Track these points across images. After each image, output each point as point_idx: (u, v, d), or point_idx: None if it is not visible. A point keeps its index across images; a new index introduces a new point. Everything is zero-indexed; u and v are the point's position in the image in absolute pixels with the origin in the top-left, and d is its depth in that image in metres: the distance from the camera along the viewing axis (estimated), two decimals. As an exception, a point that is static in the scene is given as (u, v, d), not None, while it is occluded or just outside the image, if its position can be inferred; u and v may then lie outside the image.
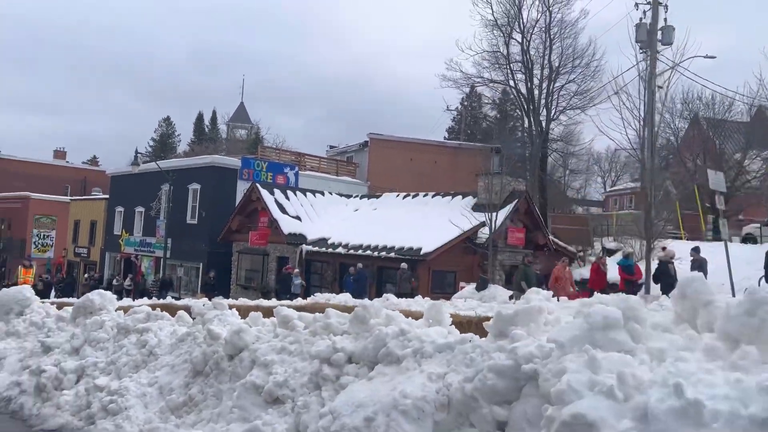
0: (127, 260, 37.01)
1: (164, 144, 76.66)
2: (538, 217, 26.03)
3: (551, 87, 32.49)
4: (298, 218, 28.60)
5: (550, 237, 26.38)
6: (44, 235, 49.27)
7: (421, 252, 22.52)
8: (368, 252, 24.43)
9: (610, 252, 25.69)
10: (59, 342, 7.96)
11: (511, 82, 33.77)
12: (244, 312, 7.66)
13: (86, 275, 39.06)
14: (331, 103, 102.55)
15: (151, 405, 5.63)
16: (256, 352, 5.38)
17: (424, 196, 28.49)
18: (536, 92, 32.72)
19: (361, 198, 32.07)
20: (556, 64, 32.09)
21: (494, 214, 22.79)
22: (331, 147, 44.85)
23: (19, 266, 19.16)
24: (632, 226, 26.59)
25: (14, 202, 50.78)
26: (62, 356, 7.53)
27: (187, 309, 7.61)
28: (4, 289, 10.60)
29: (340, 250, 25.59)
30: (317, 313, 5.84)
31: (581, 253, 27.51)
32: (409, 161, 38.47)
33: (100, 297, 8.38)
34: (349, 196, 32.72)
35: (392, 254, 23.44)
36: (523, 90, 33.06)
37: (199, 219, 32.33)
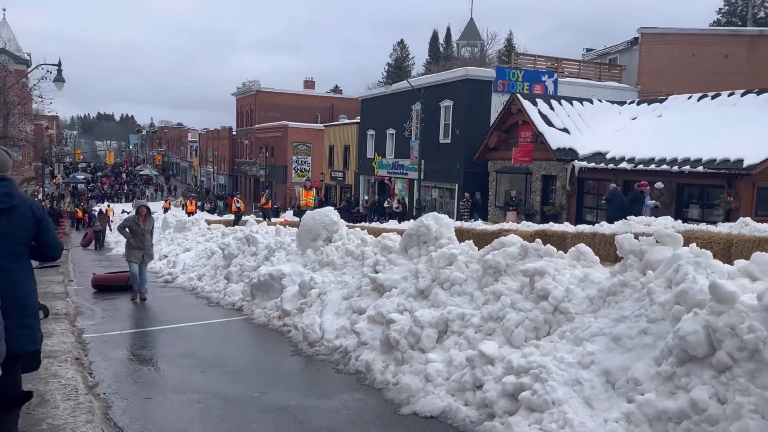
0: (380, 183, 37.14)
1: (399, 68, 76.74)
2: None
3: None
4: (565, 131, 25.18)
5: None
6: (302, 161, 52.35)
7: (744, 164, 17.84)
8: (664, 167, 20.29)
9: None
10: (394, 279, 6.26)
11: None
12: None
13: (344, 199, 40.38)
14: (557, 15, 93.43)
15: (597, 401, 3.44)
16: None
17: (730, 95, 22.96)
18: None
19: (638, 104, 27.35)
20: None
21: None
22: (588, 50, 39.67)
23: (300, 188, 18.97)
24: None
25: (275, 131, 54.59)
26: (405, 300, 5.77)
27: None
28: (310, 213, 9.48)
29: (624, 165, 21.78)
30: None
31: None
32: (690, 57, 32.18)
33: (435, 222, 6.45)
34: (621, 103, 28.19)
35: (699, 168, 19.07)
36: None
37: (452, 137, 30.54)
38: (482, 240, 8.94)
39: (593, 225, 15.27)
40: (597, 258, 4.85)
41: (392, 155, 36.05)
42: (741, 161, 17.99)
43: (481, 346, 4.31)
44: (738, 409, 2.81)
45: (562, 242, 8.98)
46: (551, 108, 26.05)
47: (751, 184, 18.23)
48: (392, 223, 24.05)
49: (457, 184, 30.14)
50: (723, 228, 8.69)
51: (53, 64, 24.00)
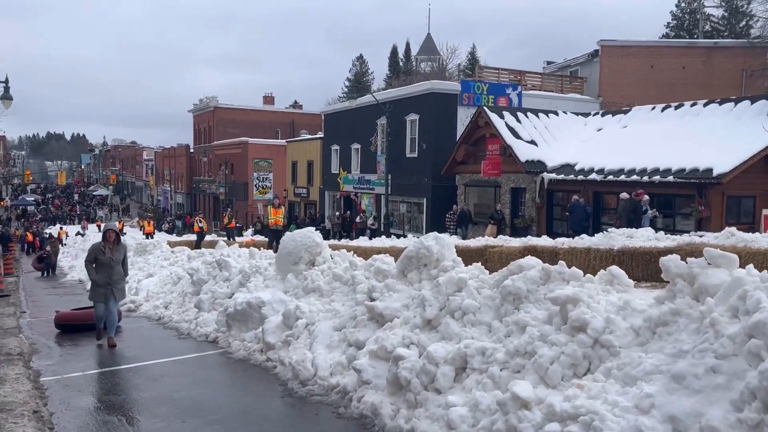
0: (346, 198, 36.53)
1: (359, 83, 76.52)
2: None
3: None
4: (533, 143, 25.10)
5: None
6: (263, 177, 51.35)
7: (714, 173, 17.91)
8: (634, 177, 20.28)
9: None
10: (395, 308, 5.68)
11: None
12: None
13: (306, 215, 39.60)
14: (511, 29, 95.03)
15: None
16: None
17: (693, 105, 23.25)
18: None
19: (602, 115, 27.53)
20: None
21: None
22: (549, 63, 40.06)
23: (268, 206, 18.22)
24: None
25: (235, 147, 53.48)
26: (410, 332, 5.20)
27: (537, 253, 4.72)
28: (289, 234, 8.80)
29: (594, 176, 21.73)
30: None
31: None
32: (649, 69, 32.73)
33: (437, 242, 5.90)
34: (586, 115, 28.37)
35: (670, 178, 19.10)
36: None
37: (419, 151, 30.23)
38: (466, 257, 8.45)
39: (565, 238, 15.06)
40: (632, 282, 4.40)
41: (358, 170, 35.54)
42: (711, 170, 18.06)
43: (514, 388, 3.78)
44: None
45: (553, 258, 8.57)
46: (518, 120, 25.98)
47: (720, 192, 18.33)
48: (362, 240, 23.47)
49: (425, 198, 29.80)
50: (723, 241, 8.41)
51: None
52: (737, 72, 32.14)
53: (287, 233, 9.26)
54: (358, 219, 31.41)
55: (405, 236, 27.26)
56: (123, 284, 9.11)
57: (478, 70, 32.84)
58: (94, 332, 9.18)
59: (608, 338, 3.85)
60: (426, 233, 25.60)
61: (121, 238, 9.14)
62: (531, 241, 12.84)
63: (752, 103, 21.26)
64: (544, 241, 10.95)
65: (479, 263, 5.91)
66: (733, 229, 11.12)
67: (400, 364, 4.72)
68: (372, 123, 33.00)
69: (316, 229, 9.51)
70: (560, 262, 4.71)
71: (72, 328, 10.07)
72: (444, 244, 5.98)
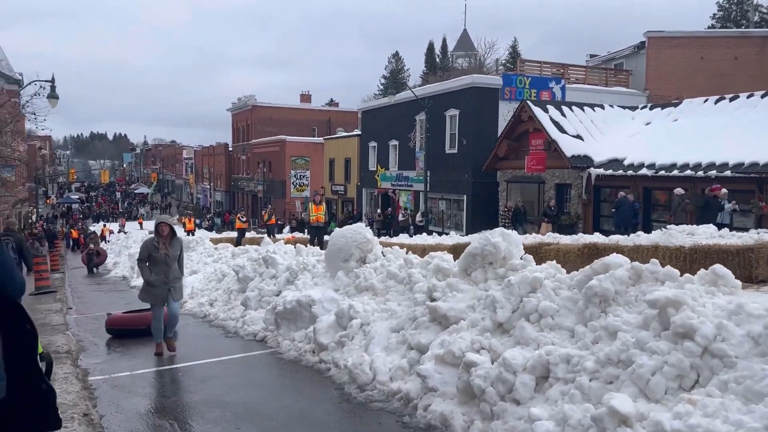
0: (384, 195, 36.21)
1: (395, 80, 76.18)
2: None
3: None
4: (579, 137, 24.35)
5: None
6: (300, 175, 51.41)
7: (775, 167, 17.02)
8: (687, 172, 19.44)
9: None
10: (460, 309, 5.29)
11: None
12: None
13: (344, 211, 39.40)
14: (550, 25, 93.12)
15: None
16: None
17: (749, 97, 22.21)
18: None
19: (651, 108, 26.57)
20: None
21: None
22: (592, 56, 39.02)
23: (309, 203, 18.00)
24: None
25: (272, 145, 53.67)
26: (480, 335, 4.80)
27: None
28: (339, 231, 8.48)
29: (644, 171, 20.94)
30: None
31: None
32: (699, 60, 31.54)
33: (504, 239, 5.48)
34: (633, 108, 27.44)
35: (727, 172, 18.22)
36: None
37: (459, 147, 29.70)
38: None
39: (618, 235, 14.40)
40: (739, 283, 3.92)
41: (396, 167, 35.18)
42: (771, 164, 17.17)
43: (612, 401, 3.36)
44: None
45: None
46: (563, 114, 25.26)
47: (785, 187, 17.41)
48: (403, 238, 23.10)
49: (465, 196, 29.27)
50: None
51: (46, 81, 23.12)
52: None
53: (336, 229, 8.93)
54: (401, 216, 30.99)
55: (447, 233, 26.81)
56: (180, 283, 8.07)
57: (519, 63, 32.11)
58: (146, 336, 8.50)
59: (721, 347, 3.39)
60: (466, 231, 25.20)
61: (177, 231, 8.15)
62: (584, 238, 12.27)
63: (815, 94, 20.24)
64: (603, 238, 10.40)
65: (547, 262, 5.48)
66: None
67: (473, 371, 4.34)
68: (410, 119, 32.58)
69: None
70: (652, 260, 4.26)
71: (124, 333, 9.38)
72: (512, 241, 5.55)
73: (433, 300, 5.67)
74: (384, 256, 7.80)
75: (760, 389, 3.02)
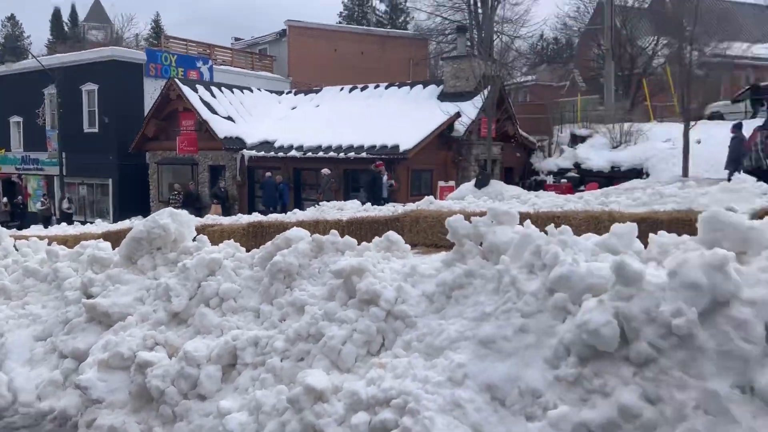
0: (6, 181, 30.70)
1: (13, 47, 65.17)
2: (509, 104, 23.78)
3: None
4: (230, 119, 24.40)
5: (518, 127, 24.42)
6: None
7: (400, 149, 19.64)
8: (331, 153, 21.13)
9: (583, 138, 24.24)
10: (126, 304, 4.48)
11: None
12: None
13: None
14: (192, 4, 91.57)
15: (489, 426, 2.70)
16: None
17: (376, 87, 25.22)
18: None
19: (295, 94, 28.09)
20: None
21: (473, 101, 20.62)
22: (237, 39, 39.37)
23: None
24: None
25: None
26: (154, 330, 4.11)
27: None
28: None
29: (294, 153, 22.02)
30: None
31: (542, 143, 25.84)
32: (333, 52, 34.50)
33: (173, 220, 4.76)
34: (279, 93, 28.64)
35: (363, 154, 20.35)
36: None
37: (100, 126, 26.90)
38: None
39: (277, 214, 14.93)
40: (409, 247, 4.17)
41: (21, 147, 30.14)
42: (397, 147, 19.74)
43: (306, 379, 3.21)
44: (681, 409, 2.45)
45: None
46: (213, 95, 24.92)
47: (406, 167, 20.19)
48: (36, 230, 19.85)
49: (111, 179, 26.73)
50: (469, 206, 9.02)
51: None
52: (406, 60, 35.84)
53: None
54: (40, 205, 26.54)
55: (91, 222, 24.05)
56: None
57: (164, 40, 30.57)
58: None
59: (402, 308, 3.55)
60: (114, 218, 23.00)
61: None
62: (245, 218, 12.26)
63: (424, 88, 23.98)
64: (264, 217, 10.47)
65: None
66: (431, 198, 12.18)
67: (148, 371, 3.77)
68: (37, 92, 28.24)
69: None
70: (332, 231, 4.28)
71: None
72: (182, 221, 5.03)
73: (90, 297, 4.81)
74: (18, 250, 6.39)
75: (439, 344, 3.25)
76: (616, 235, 3.21)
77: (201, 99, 24.02)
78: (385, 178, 17.92)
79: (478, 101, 21.48)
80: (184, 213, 5.12)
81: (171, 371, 3.74)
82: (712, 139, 19.65)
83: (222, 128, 23.31)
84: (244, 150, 23.10)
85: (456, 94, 22.15)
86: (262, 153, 22.83)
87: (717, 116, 24.17)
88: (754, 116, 22.64)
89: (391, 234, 4.12)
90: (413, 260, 3.94)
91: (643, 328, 2.62)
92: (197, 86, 24.78)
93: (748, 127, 15.14)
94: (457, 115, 21.13)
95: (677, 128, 22.48)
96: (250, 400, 3.45)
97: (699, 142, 18.81)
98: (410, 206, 8.63)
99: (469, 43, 25.46)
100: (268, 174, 20.85)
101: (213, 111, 23.90)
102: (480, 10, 29.30)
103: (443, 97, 22.51)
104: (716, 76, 25.22)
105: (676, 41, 32.59)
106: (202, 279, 4.38)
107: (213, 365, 3.73)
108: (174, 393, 3.67)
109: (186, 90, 23.83)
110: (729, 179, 13.90)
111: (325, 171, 19.22)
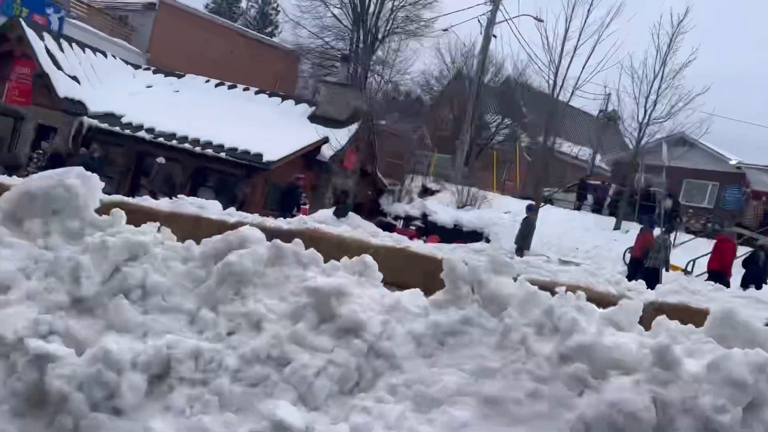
0: None
1: None
2: (374, 141, 24.08)
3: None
4: (75, 79, 21.89)
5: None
6: None
7: (263, 159, 18.90)
8: (186, 145, 19.72)
9: (432, 192, 25.29)
10: (9, 272, 3.45)
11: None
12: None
13: None
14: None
15: None
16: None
17: (245, 90, 24.24)
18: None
19: (154, 72, 25.97)
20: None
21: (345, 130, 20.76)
22: (97, -2, 35.70)
23: None
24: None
25: None
26: (51, 315, 3.17)
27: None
28: None
29: (143, 134, 20.19)
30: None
31: (395, 187, 26.51)
32: (204, 42, 32.62)
33: (83, 181, 3.80)
34: (137, 67, 26.35)
35: (222, 154, 19.28)
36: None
37: None
38: None
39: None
40: (381, 275, 3.73)
41: None
42: (261, 156, 18.99)
43: (278, 412, 2.64)
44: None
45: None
46: (61, 49, 22.21)
47: (265, 178, 19.46)
48: None
49: None
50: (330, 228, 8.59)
51: None
52: (275, 71, 34.97)
53: None
54: None
55: None
56: None
57: (12, -29, 26.64)
58: None
59: (386, 346, 3.12)
60: None
61: None
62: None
63: (296, 104, 23.53)
64: (138, 201, 9.18)
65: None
66: (306, 217, 11.73)
67: (50, 368, 2.90)
68: None
69: None
70: (295, 240, 3.73)
71: None
72: (92, 185, 4.10)
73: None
74: None
75: (434, 395, 2.88)
76: (623, 312, 3.16)
77: (46, 48, 21.27)
78: (303, 195, 17.54)
79: (346, 132, 21.58)
80: (94, 176, 4.18)
81: (79, 373, 2.93)
82: (545, 219, 21.61)
83: (65, 87, 20.82)
84: (86, 117, 20.74)
85: (327, 119, 21.94)
86: (106, 125, 20.66)
87: (548, 201, 26.77)
88: (578, 208, 25.45)
89: (367, 257, 3.70)
90: (391, 292, 3.56)
91: (678, 418, 2.53)
92: (44, 33, 21.95)
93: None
94: (326, 139, 20.96)
95: (516, 202, 24.51)
96: (194, 426, 2.78)
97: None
98: (311, 224, 8.13)
99: (347, 74, 25.57)
100: (160, 160, 19.01)
101: (58, 66, 21.27)
102: (362, 45, 29.75)
103: (314, 119, 22.18)
104: (560, 165, 27.96)
105: (516, 124, 36.16)
106: (122, 264, 3.56)
107: (139, 374, 2.98)
108: (81, 401, 2.85)
109: (30, 34, 21.00)
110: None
111: (161, 160, 17.99)
